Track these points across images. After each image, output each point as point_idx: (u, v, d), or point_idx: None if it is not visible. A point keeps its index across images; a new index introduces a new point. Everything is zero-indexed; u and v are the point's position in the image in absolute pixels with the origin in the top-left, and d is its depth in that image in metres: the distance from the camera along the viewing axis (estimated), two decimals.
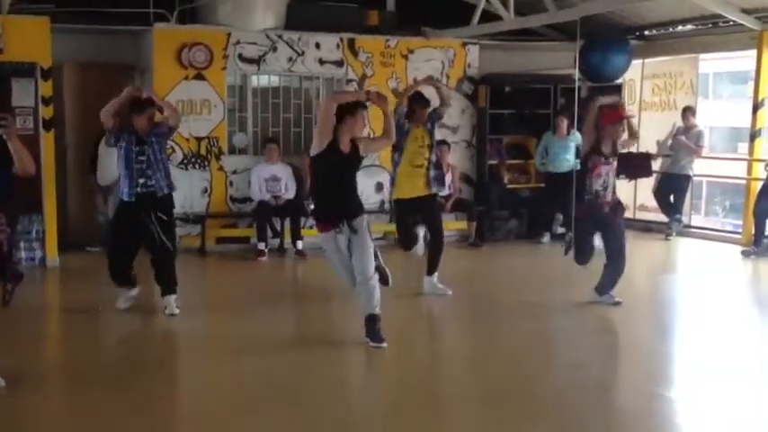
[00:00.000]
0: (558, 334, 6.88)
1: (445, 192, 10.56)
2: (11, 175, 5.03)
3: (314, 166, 6.26)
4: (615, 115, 7.05)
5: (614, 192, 7.13)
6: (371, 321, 5.95)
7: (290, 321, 7.21)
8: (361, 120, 6.02)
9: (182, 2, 10.10)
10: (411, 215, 7.70)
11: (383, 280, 6.25)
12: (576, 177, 7.29)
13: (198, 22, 10.15)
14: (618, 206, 7.21)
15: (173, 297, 6.88)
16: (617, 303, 7.12)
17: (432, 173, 7.51)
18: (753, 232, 10.21)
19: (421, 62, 10.98)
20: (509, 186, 11.47)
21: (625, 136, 7.23)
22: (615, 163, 7.06)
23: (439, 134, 10.89)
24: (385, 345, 5.89)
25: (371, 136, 8.17)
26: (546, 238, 11.09)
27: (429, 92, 7.67)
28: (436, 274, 7.65)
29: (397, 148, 7.43)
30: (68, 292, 8.26)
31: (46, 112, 9.02)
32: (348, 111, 5.91)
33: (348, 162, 6.02)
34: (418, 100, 7.49)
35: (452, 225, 11.00)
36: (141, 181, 6.68)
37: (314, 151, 5.98)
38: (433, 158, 7.57)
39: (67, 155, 10.10)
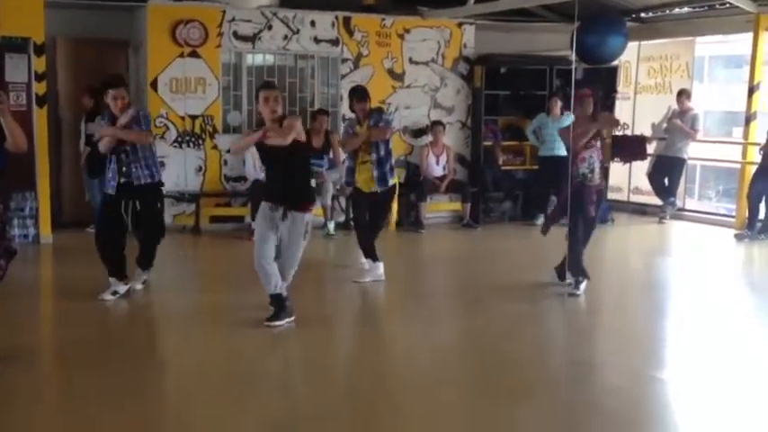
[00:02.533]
0: (550, 315, 6.89)
1: (440, 173, 10.56)
2: (3, 151, 4.99)
3: (260, 156, 6.36)
4: (578, 95, 7.11)
5: (601, 174, 7.08)
6: (278, 300, 6.02)
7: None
8: (264, 100, 5.90)
9: None
10: (363, 206, 7.64)
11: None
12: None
13: None
14: (599, 193, 7.14)
15: (140, 272, 6.94)
16: (573, 295, 7.02)
17: (375, 172, 7.33)
18: (746, 216, 10.25)
19: (417, 42, 10.93)
20: (504, 168, 11.45)
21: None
22: (599, 144, 7.01)
23: (434, 114, 10.97)
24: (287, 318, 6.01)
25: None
26: (540, 219, 11.04)
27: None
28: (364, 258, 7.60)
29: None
30: (61, 269, 8.23)
31: (39, 87, 8.95)
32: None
33: (288, 150, 5.84)
34: (354, 93, 7.54)
35: (446, 206, 11.02)
36: (124, 170, 6.55)
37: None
38: (380, 154, 7.33)
39: (62, 131, 10.05)
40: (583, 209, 6.95)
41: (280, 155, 5.85)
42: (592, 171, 6.92)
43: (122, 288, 6.72)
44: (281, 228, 5.96)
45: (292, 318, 6.06)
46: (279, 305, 6.00)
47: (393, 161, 7.60)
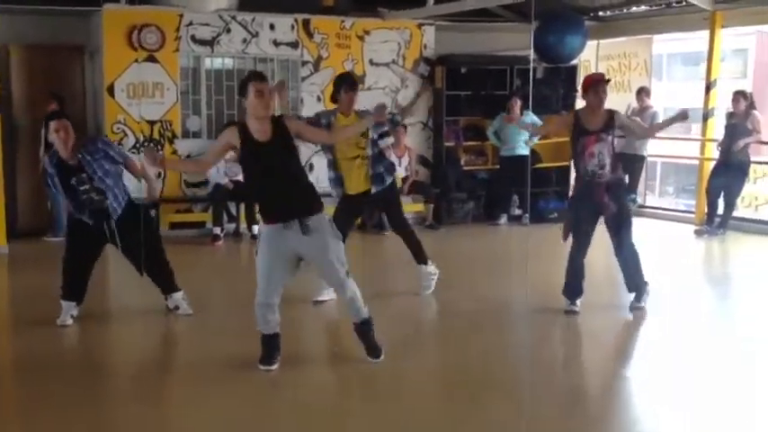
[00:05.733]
0: (515, 316, 6.90)
1: (402, 174, 10.57)
2: None
3: (243, 169, 5.46)
4: (589, 79, 6.42)
5: (615, 170, 6.35)
6: (365, 327, 5.31)
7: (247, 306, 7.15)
8: (257, 93, 4.95)
9: None
10: (354, 213, 7.09)
11: None
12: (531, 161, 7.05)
13: (149, 3, 9.96)
14: (615, 187, 6.41)
15: (179, 294, 6.48)
16: (637, 308, 6.56)
17: (370, 169, 6.67)
18: (705, 211, 10.39)
19: (377, 43, 10.93)
20: (466, 168, 11.49)
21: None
22: (610, 138, 6.30)
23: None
24: (380, 358, 5.33)
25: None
26: (503, 219, 11.17)
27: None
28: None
29: (324, 149, 6.88)
30: (16, 280, 8.06)
31: None
32: (240, 91, 5.06)
33: (273, 150, 5.01)
34: (342, 82, 6.61)
35: (409, 207, 10.98)
36: (92, 208, 5.99)
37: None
38: (374, 150, 6.69)
39: (18, 138, 9.88)
40: (596, 210, 6.37)
41: (276, 163, 5.00)
42: (602, 167, 6.27)
43: (76, 310, 6.24)
44: (301, 247, 5.04)
45: (379, 357, 5.33)
46: (269, 347, 5.23)
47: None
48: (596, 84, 6.31)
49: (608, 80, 6.53)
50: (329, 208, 5.63)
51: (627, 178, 11.49)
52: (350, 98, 6.52)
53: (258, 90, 4.94)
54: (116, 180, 6.08)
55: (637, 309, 6.57)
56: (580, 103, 11.69)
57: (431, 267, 7.14)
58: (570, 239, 6.51)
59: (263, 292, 5.12)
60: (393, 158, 10.55)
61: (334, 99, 6.67)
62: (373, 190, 6.73)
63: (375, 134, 6.67)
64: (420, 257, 7.11)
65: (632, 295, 6.64)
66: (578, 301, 6.55)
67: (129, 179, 6.49)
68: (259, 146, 4.99)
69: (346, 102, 6.52)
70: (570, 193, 6.58)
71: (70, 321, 6.19)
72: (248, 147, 5.01)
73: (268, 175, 5.02)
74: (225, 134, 5.25)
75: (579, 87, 6.81)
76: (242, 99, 5.05)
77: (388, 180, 6.83)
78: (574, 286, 6.54)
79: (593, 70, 12.32)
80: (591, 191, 6.35)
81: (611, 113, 6.37)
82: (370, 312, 5.32)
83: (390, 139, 10.74)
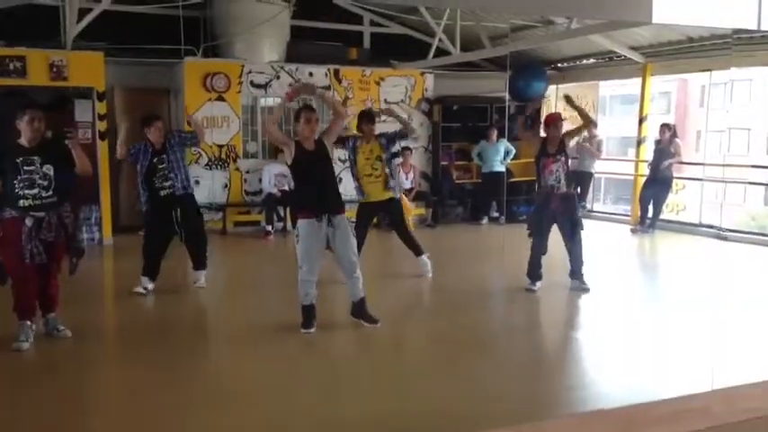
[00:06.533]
0: (492, 292, 6.89)
1: (408, 186, 10.56)
2: (74, 174, 4.95)
3: (293, 173, 5.31)
4: (550, 118, 6.51)
5: (569, 185, 6.36)
6: (362, 304, 5.30)
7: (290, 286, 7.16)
8: (305, 121, 5.07)
9: (206, 39, 9.96)
10: (370, 217, 6.87)
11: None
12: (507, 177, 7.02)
13: (219, 56, 10.01)
14: (568, 199, 6.37)
15: (202, 273, 6.51)
16: (584, 289, 6.45)
17: (389, 181, 6.63)
18: (638, 215, 10.33)
19: (390, 87, 10.92)
20: (457, 181, 11.45)
21: (586, 134, 6.56)
22: (563, 158, 6.31)
23: (404, 142, 10.84)
24: (378, 323, 5.29)
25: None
26: (484, 220, 11.15)
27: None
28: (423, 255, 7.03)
29: (350, 164, 6.71)
30: (118, 264, 8.13)
31: (101, 125, 8.88)
32: (295, 118, 5.22)
33: (316, 158, 5.07)
34: (363, 117, 6.71)
35: (413, 211, 10.99)
36: (166, 184, 6.15)
37: (288, 161, 5.17)
38: (386, 170, 6.59)
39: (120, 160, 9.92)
40: (552, 215, 6.31)
41: (313, 159, 5.05)
42: (558, 181, 6.28)
43: (151, 285, 6.28)
44: (329, 237, 5.04)
45: (378, 323, 5.26)
46: (309, 315, 5.18)
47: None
48: (555, 120, 6.46)
49: (564, 118, 6.65)
50: (350, 212, 5.60)
51: (579, 190, 11.49)
52: (369, 129, 6.68)
53: (307, 118, 5.09)
54: (184, 167, 6.24)
55: (582, 288, 6.52)
56: (543, 131, 11.80)
57: (425, 257, 7.06)
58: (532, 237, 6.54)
59: (306, 271, 5.08)
60: (402, 177, 10.49)
61: (359, 129, 6.77)
62: (396, 195, 6.69)
63: (387, 155, 6.69)
64: (417, 252, 7.01)
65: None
66: (538, 283, 6.53)
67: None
68: (306, 153, 5.08)
69: (367, 131, 6.67)
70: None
71: (142, 290, 6.25)
72: (298, 153, 5.09)
73: (311, 176, 5.08)
74: (289, 140, 5.22)
75: (542, 122, 6.83)
76: (296, 123, 5.20)
77: (398, 194, 6.79)
78: (534, 272, 6.53)
79: (554, 106, 12.31)
80: (549, 200, 6.34)
81: (562, 140, 6.40)
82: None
83: (399, 159, 10.80)
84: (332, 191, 5.15)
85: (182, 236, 6.33)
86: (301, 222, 5.10)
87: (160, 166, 6.18)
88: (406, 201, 6.95)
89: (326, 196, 5.07)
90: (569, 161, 6.43)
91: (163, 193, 6.21)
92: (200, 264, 6.52)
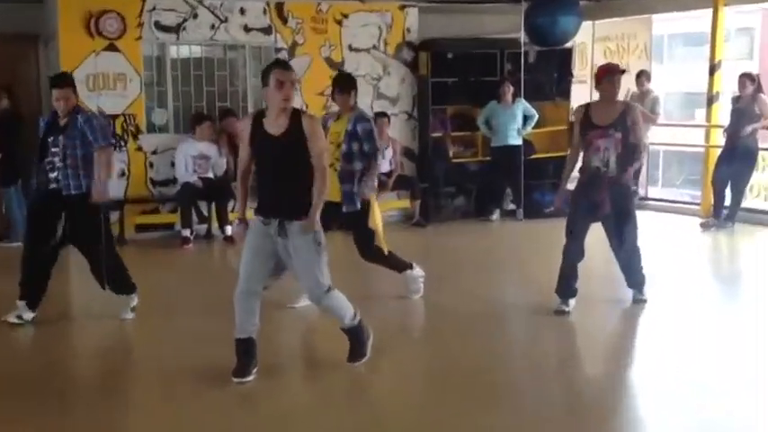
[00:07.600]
0: (508, 317, 6.92)
1: (386, 168, 10.53)
2: None
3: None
4: (604, 69, 6.48)
5: (624, 169, 6.34)
6: (349, 332, 5.38)
7: (224, 315, 7.13)
8: (277, 84, 4.97)
9: None
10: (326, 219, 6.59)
11: None
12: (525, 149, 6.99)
13: None
14: (619, 188, 6.38)
15: (124, 297, 6.53)
16: (639, 301, 6.72)
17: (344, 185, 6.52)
18: (712, 203, 10.44)
19: (356, 28, 10.93)
20: (454, 160, 11.50)
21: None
22: (619, 134, 6.28)
23: (377, 105, 10.94)
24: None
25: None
26: (495, 215, 11.19)
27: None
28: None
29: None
30: None
31: None
32: (262, 79, 5.12)
33: (281, 146, 5.00)
34: (336, 83, 6.79)
35: (394, 204, 11.02)
36: (52, 176, 6.18)
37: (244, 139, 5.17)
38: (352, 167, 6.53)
39: None
40: (593, 207, 6.36)
41: (277, 159, 5.03)
42: (606, 164, 6.30)
43: (30, 315, 6.36)
44: (278, 246, 5.09)
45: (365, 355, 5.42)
46: (243, 354, 5.18)
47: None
48: (611, 74, 6.39)
49: (623, 71, 6.59)
50: None
51: None
52: (343, 99, 6.67)
53: (279, 80, 4.98)
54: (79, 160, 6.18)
55: (640, 301, 6.68)
56: (575, 89, 11.90)
57: (416, 271, 7.07)
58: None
59: (244, 279, 5.12)
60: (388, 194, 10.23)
61: (333, 99, 6.83)
62: (344, 209, 6.58)
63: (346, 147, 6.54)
64: (400, 269, 7.01)
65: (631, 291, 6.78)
66: (571, 302, 6.57)
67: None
68: (268, 138, 5.03)
69: (340, 102, 6.72)
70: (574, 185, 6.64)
71: (21, 321, 6.33)
72: (257, 138, 5.06)
73: (266, 168, 5.11)
74: (245, 125, 5.23)
75: (594, 75, 6.83)
76: (264, 88, 5.08)
77: (358, 204, 6.60)
78: (566, 287, 6.58)
79: (590, 53, 12.41)
80: (592, 187, 6.38)
81: (626, 108, 6.40)
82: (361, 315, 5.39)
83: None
84: (289, 190, 5.08)
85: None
86: (250, 220, 5.21)
87: (53, 149, 6.16)
88: (375, 206, 6.77)
89: (280, 195, 5.07)
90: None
91: (51, 186, 6.22)
92: (113, 288, 6.51)
